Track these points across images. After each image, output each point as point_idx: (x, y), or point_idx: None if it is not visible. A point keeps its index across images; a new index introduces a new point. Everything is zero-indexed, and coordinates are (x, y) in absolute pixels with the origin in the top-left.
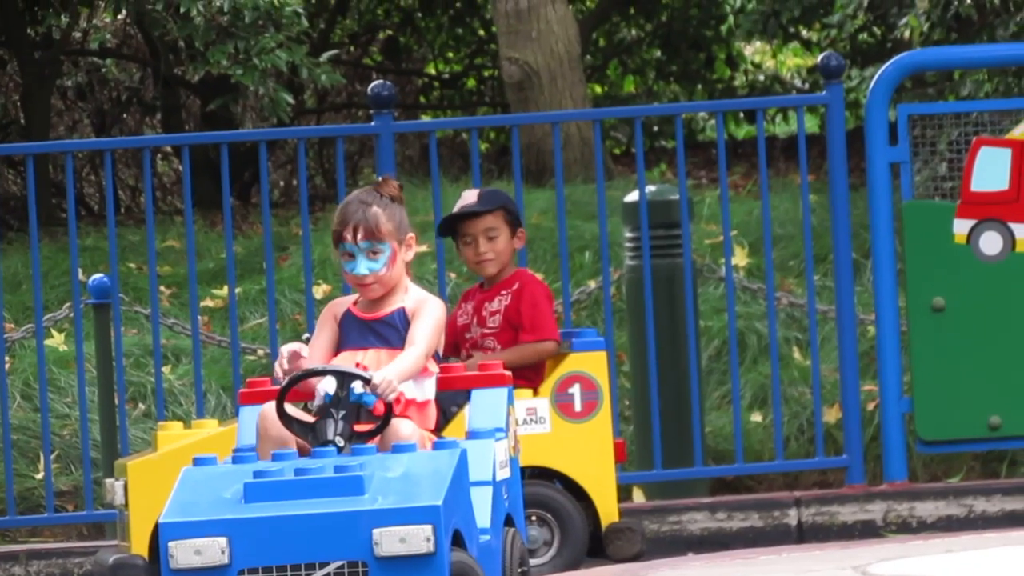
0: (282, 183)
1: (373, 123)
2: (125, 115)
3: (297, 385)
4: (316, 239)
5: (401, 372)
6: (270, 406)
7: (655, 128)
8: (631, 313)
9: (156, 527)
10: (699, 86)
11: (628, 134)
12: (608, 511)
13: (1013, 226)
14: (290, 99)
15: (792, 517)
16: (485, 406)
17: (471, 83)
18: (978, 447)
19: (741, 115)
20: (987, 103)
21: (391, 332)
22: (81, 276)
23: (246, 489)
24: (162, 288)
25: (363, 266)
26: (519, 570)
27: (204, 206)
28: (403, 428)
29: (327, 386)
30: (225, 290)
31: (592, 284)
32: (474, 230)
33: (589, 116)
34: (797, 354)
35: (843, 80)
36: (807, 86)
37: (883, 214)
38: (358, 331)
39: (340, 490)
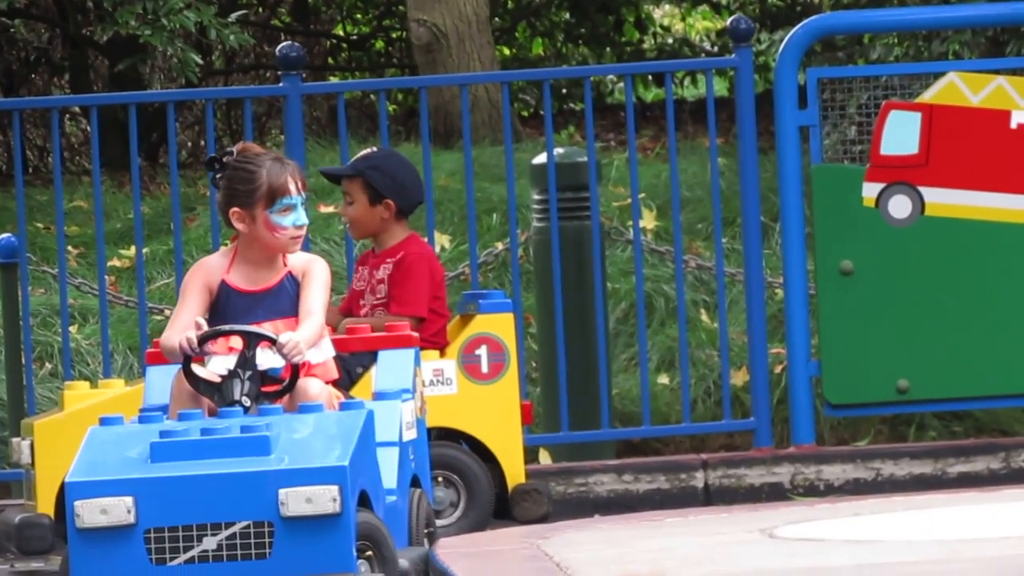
0: (190, 144)
1: (281, 84)
2: (33, 75)
3: (199, 351)
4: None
5: (307, 339)
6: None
7: (564, 91)
8: (539, 275)
9: (62, 487)
10: (608, 49)
11: (536, 97)
12: (514, 473)
13: (922, 190)
14: (198, 60)
15: (699, 480)
16: (391, 367)
17: (379, 45)
18: (886, 411)
19: (650, 78)
20: (897, 67)
21: (283, 301)
22: None
23: (152, 449)
24: (70, 248)
25: (303, 214)
26: (425, 531)
27: (112, 167)
28: (311, 388)
29: (221, 360)
30: (132, 250)
31: (500, 246)
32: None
33: (497, 78)
34: (705, 317)
35: (752, 44)
36: (716, 49)
37: (792, 177)
38: (245, 306)
39: (246, 450)
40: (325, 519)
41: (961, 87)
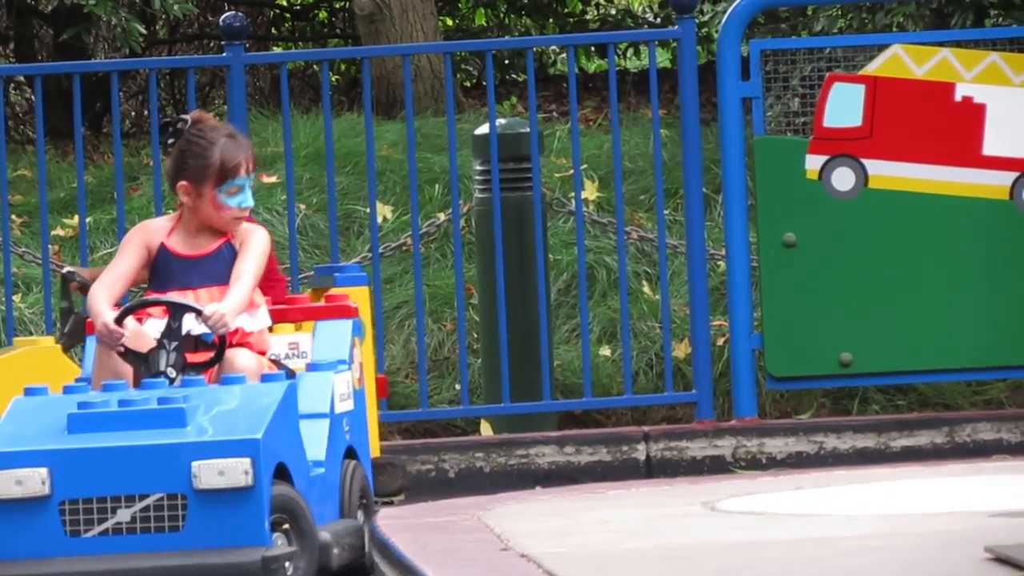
0: (133, 113)
1: (225, 54)
2: None
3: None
4: (167, 170)
5: (234, 307)
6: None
7: (506, 61)
8: (480, 246)
9: None
10: (551, 20)
11: (479, 67)
12: (371, 446)
13: (866, 162)
14: (142, 29)
15: (641, 452)
16: (328, 337)
17: (323, 15)
18: (829, 384)
19: (592, 49)
20: (840, 39)
21: (220, 267)
22: None
23: (69, 420)
24: (13, 217)
25: (250, 196)
26: (361, 501)
27: (56, 136)
28: (239, 359)
29: (155, 324)
30: (76, 219)
31: (442, 217)
32: None
33: (440, 49)
34: (647, 289)
35: (695, 15)
36: (659, 21)
37: (734, 149)
38: (180, 270)
39: (161, 422)
40: (238, 492)
41: (905, 59)
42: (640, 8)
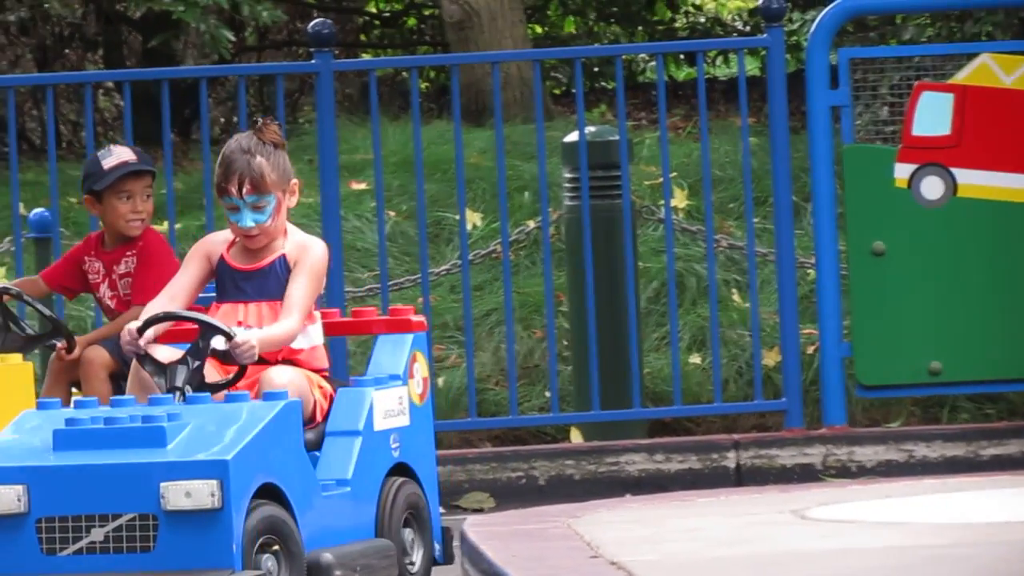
0: (222, 120)
1: (313, 61)
2: (67, 51)
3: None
4: None
5: (269, 340)
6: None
7: (595, 69)
8: (570, 254)
9: None
10: (639, 27)
11: (568, 75)
12: None
13: (954, 171)
14: (231, 36)
15: (731, 460)
16: (385, 353)
17: (411, 22)
18: (918, 392)
19: (681, 57)
20: (928, 47)
21: (271, 282)
22: (22, 210)
23: (55, 436)
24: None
25: (248, 219)
26: (409, 520)
27: (145, 142)
28: (279, 376)
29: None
30: (165, 226)
31: (531, 224)
32: (134, 187)
33: (529, 56)
34: (736, 296)
35: (784, 23)
36: (748, 29)
37: (823, 157)
38: (233, 283)
39: (141, 441)
40: (206, 514)
41: (994, 68)
42: (729, 16)
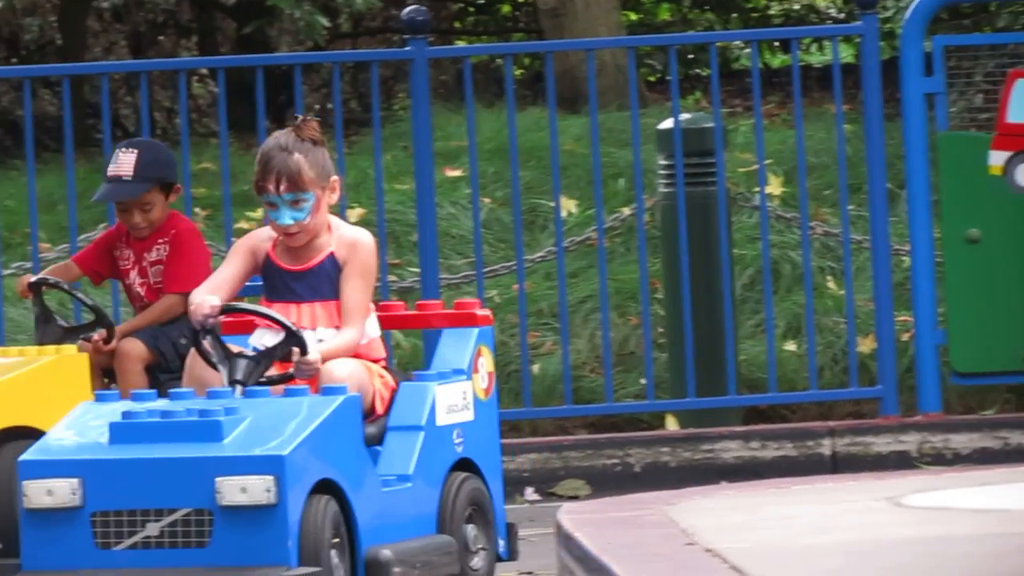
0: (317, 107)
1: (408, 48)
2: (161, 37)
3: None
4: (350, 163)
5: (336, 352)
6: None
7: (690, 56)
8: (665, 241)
9: None
10: (734, 14)
11: (662, 62)
12: None
13: None
14: (325, 23)
15: (826, 447)
16: (450, 346)
17: (506, 9)
18: (1013, 380)
19: (776, 44)
20: (1023, 35)
21: (322, 282)
22: None
23: (111, 429)
24: (197, 210)
25: (287, 216)
26: (472, 516)
27: (239, 129)
28: (337, 370)
29: (260, 338)
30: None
31: (626, 211)
32: (129, 203)
33: (624, 43)
34: (831, 283)
35: (878, 10)
36: (842, 16)
37: (917, 144)
38: (283, 283)
39: (197, 435)
40: (261, 509)
41: None
42: (824, 3)
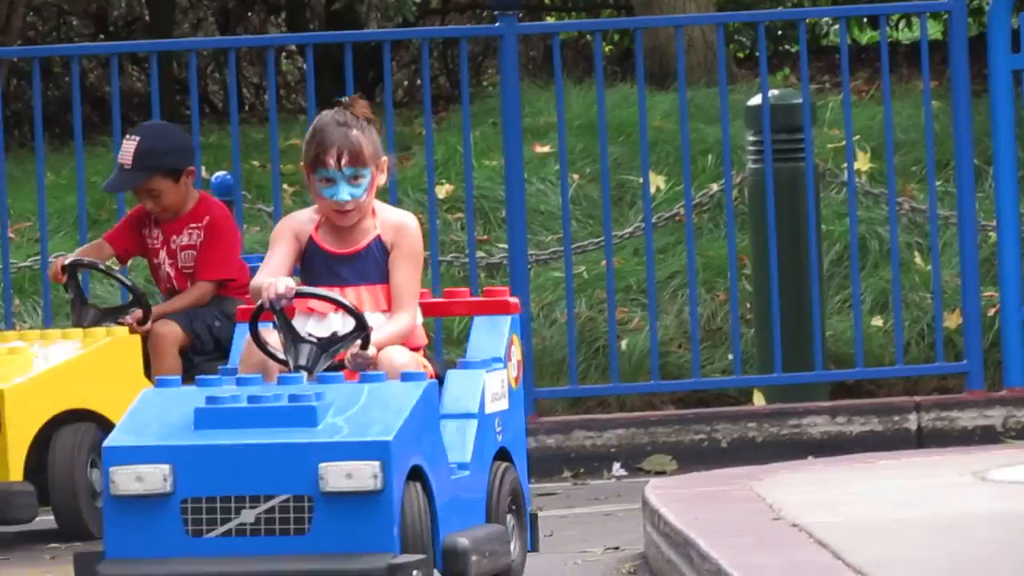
0: (406, 83)
1: (497, 24)
2: (250, 13)
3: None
4: (439, 139)
5: (391, 339)
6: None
7: (778, 32)
8: (753, 216)
9: (30, 451)
10: None
11: (751, 38)
12: None
13: None
14: None
15: (912, 422)
16: (485, 335)
17: None
18: None
19: (864, 20)
20: None
21: (370, 266)
22: (204, 173)
23: (196, 415)
24: (284, 186)
25: (345, 192)
26: (510, 506)
27: (327, 105)
28: (397, 357)
29: (303, 326)
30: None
31: (714, 187)
32: (138, 190)
33: (713, 20)
34: (918, 259)
35: None
36: None
37: (1004, 121)
38: (329, 267)
39: (291, 420)
40: (366, 496)
41: None
42: None
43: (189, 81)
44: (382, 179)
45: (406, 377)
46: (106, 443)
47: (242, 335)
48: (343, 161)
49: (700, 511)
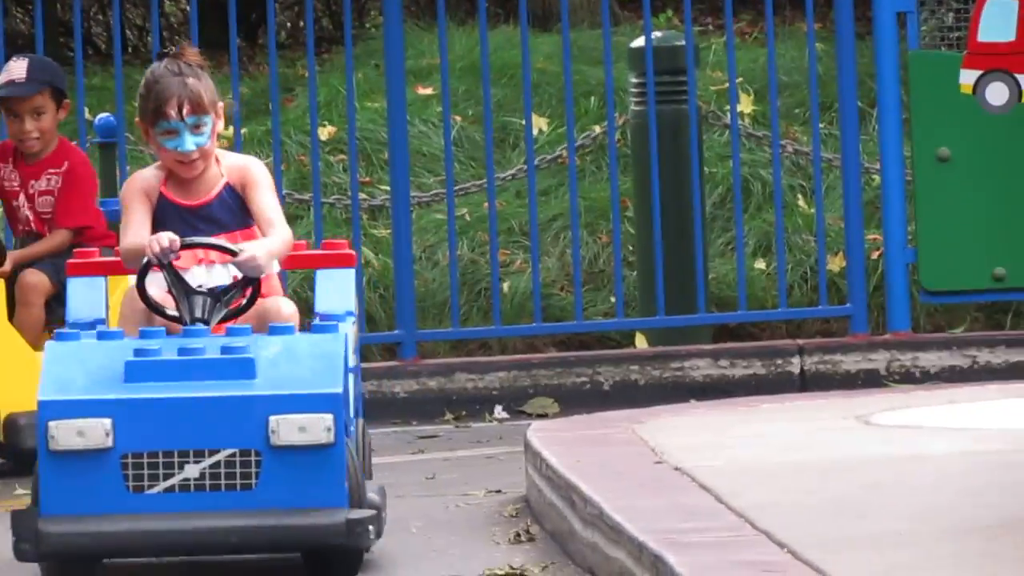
0: (289, 24)
1: None
2: None
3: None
4: (322, 81)
5: (271, 251)
6: (134, 285)
7: None
8: (636, 159)
9: None
10: None
11: None
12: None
13: (1020, 77)
14: None
15: (795, 365)
16: (334, 287)
17: None
18: (982, 298)
19: None
20: None
21: (224, 214)
22: (88, 115)
23: (127, 368)
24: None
25: (190, 142)
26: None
27: (211, 47)
28: (284, 307)
29: (200, 271)
30: (230, 131)
31: (597, 129)
32: (21, 108)
33: None
34: (802, 202)
35: None
36: None
37: (889, 63)
38: (184, 220)
39: (230, 373)
40: (317, 449)
41: None
42: None
43: (73, 23)
44: (220, 125)
45: (318, 328)
46: (41, 397)
47: (78, 289)
48: (184, 111)
49: (582, 454)
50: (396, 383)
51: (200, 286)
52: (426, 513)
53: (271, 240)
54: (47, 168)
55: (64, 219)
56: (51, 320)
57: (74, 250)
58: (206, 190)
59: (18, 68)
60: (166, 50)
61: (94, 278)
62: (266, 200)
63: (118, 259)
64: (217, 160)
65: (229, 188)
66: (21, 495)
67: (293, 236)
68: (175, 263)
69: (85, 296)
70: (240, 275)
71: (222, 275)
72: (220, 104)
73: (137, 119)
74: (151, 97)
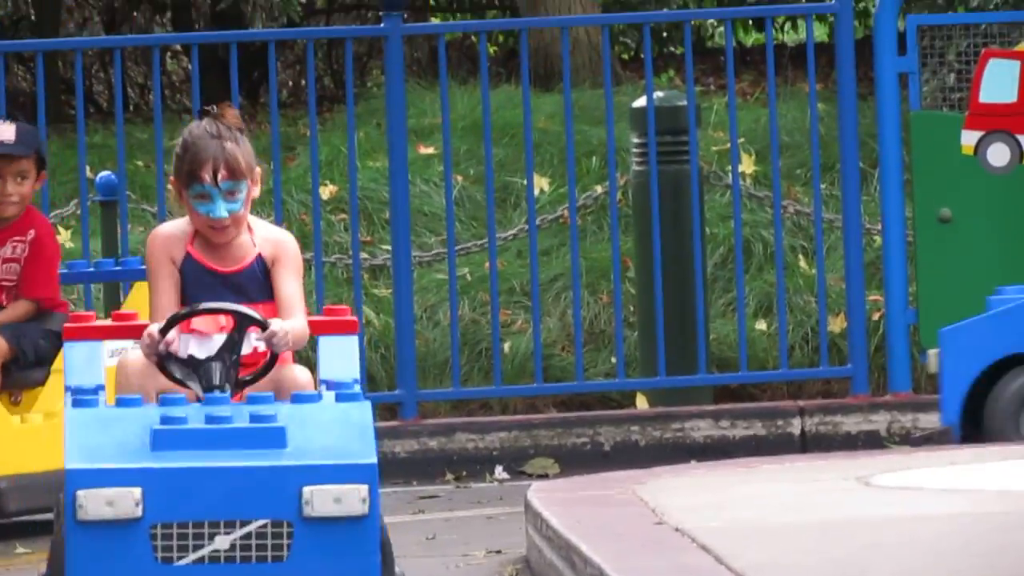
0: (291, 83)
1: (382, 25)
2: (135, 13)
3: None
4: (323, 140)
5: (295, 334)
6: (131, 357)
7: (664, 34)
8: (637, 219)
9: None
10: None
11: (637, 39)
12: None
13: (1021, 138)
14: None
15: (795, 426)
16: (338, 354)
17: None
18: None
19: (750, 22)
20: (996, 15)
21: (252, 284)
22: (89, 173)
23: (155, 436)
24: (169, 187)
25: (223, 208)
26: None
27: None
28: (301, 376)
29: (200, 343)
30: None
31: (599, 189)
32: (6, 170)
33: (598, 21)
34: (803, 263)
35: None
36: None
37: (890, 124)
38: (210, 286)
39: (260, 442)
40: (351, 521)
41: None
42: None
43: (75, 80)
44: (257, 191)
45: (341, 398)
46: (69, 465)
47: (74, 353)
48: (220, 176)
49: (583, 515)
50: (397, 443)
51: (190, 356)
52: (428, 573)
53: (293, 324)
54: (13, 235)
55: (30, 290)
56: (8, 383)
57: (71, 314)
58: (237, 257)
59: (7, 131)
60: (207, 108)
61: (93, 343)
62: (292, 286)
63: (115, 323)
64: (250, 228)
65: (260, 260)
66: (22, 553)
67: (307, 329)
68: (191, 325)
69: (85, 361)
70: (261, 347)
71: (212, 350)
72: (257, 170)
73: (171, 178)
74: (186, 158)
